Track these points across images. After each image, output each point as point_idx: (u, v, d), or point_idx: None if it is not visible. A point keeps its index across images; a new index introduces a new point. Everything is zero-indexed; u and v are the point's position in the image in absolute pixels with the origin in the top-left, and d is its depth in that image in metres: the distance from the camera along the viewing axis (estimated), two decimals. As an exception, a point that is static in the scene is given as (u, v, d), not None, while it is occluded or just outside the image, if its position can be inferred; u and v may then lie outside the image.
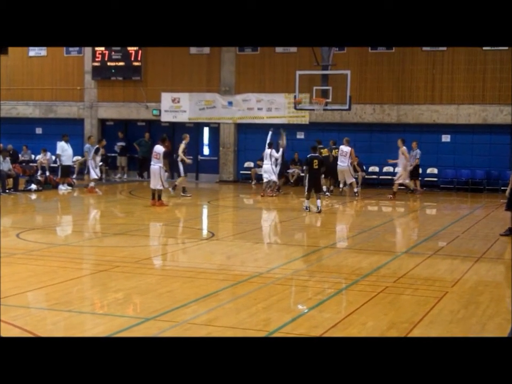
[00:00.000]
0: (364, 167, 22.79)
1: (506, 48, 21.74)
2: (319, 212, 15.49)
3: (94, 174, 20.63)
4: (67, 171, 21.17)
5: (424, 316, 6.97)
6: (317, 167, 15.72)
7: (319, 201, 15.63)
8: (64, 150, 21.02)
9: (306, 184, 16.06)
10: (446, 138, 22.99)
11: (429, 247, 11.69)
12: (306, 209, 15.83)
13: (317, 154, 16.17)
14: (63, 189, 20.67)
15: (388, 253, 10.91)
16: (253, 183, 24.17)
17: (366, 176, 23.08)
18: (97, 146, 21.10)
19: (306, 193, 15.98)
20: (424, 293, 8.12)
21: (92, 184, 20.48)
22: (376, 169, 23.54)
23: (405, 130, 22.95)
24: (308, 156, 15.98)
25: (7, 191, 19.08)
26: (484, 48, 22.03)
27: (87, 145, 21.59)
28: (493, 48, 21.99)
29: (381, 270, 9.41)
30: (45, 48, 26.74)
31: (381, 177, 23.46)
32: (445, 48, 22.50)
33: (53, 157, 24.39)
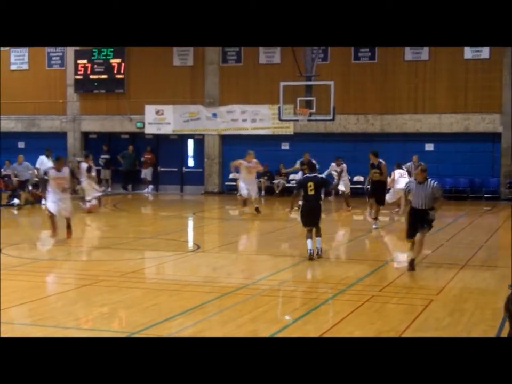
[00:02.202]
0: (350, 177, 22.85)
1: (488, 57, 22.01)
2: (319, 255, 10.92)
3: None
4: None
5: (410, 324, 6.98)
6: (312, 192, 10.95)
7: (319, 239, 10.99)
8: (44, 163, 20.82)
9: (301, 217, 11.30)
10: (429, 147, 23.15)
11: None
12: (311, 252, 10.86)
13: (312, 175, 11.18)
14: (44, 203, 20.43)
15: (373, 262, 10.92)
16: (239, 194, 24.09)
17: (351, 186, 23.13)
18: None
19: (306, 230, 11.12)
20: (410, 301, 8.14)
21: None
22: (361, 178, 23.60)
23: (389, 139, 23.08)
24: (302, 177, 11.79)
25: (-11, 206, 18.91)
26: (465, 57, 22.29)
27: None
28: (474, 58, 22.25)
29: (366, 279, 9.43)
30: (27, 61, 26.63)
31: (367, 186, 23.49)
32: (427, 58, 22.72)
33: (35, 171, 24.18)
